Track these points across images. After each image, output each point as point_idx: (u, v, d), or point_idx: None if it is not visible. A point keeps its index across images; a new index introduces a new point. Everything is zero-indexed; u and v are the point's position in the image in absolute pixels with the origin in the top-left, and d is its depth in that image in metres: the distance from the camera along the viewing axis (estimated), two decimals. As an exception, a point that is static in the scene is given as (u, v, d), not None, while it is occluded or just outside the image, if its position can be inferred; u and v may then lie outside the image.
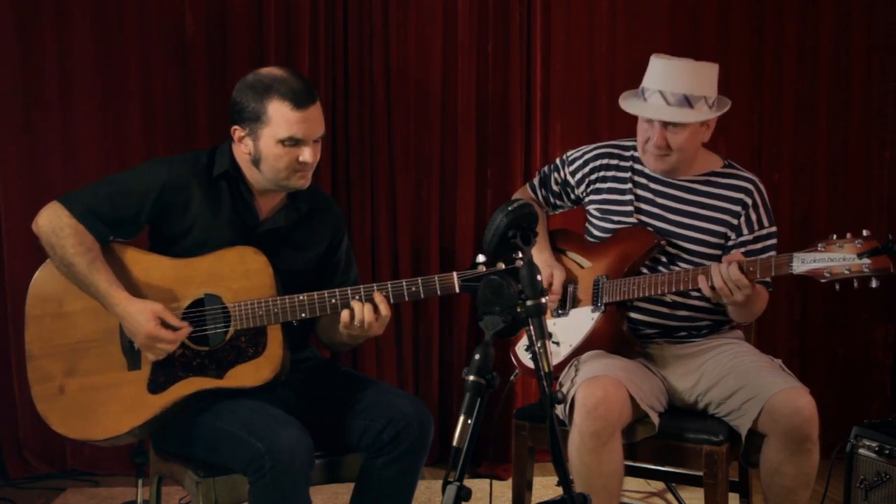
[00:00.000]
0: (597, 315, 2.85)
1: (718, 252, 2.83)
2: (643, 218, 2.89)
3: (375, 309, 2.51)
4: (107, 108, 3.89)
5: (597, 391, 2.61)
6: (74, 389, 2.51)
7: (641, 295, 2.78)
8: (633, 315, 2.87)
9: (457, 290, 2.52)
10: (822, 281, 2.54)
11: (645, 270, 2.85)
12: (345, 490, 2.73)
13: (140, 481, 3.40)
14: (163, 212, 2.57)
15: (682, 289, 2.73)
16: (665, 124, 2.79)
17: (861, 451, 2.99)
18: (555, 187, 3.07)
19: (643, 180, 2.91)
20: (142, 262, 2.56)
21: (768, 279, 2.76)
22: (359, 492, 2.61)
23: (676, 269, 2.82)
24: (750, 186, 2.86)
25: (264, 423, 2.42)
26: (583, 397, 2.62)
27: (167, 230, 2.59)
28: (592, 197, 2.97)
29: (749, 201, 2.84)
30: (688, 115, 2.78)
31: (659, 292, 2.76)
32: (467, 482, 1.99)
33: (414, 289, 2.53)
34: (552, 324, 2.91)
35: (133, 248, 2.58)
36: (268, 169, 2.55)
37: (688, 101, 2.77)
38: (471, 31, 4.06)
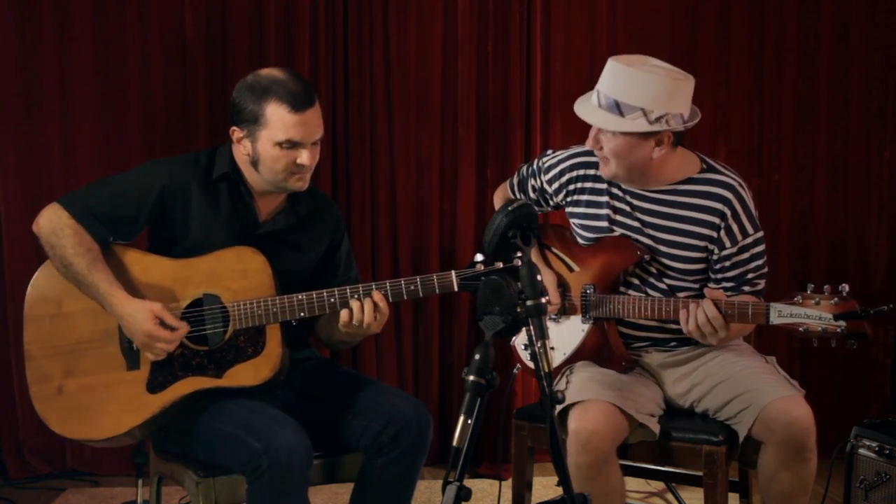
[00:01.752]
0: (587, 326, 2.80)
1: (703, 266, 2.75)
2: (622, 232, 2.79)
3: (374, 308, 2.51)
4: (106, 108, 3.89)
5: (588, 424, 2.57)
6: (73, 390, 2.51)
7: (626, 316, 2.74)
8: (624, 329, 2.81)
9: (455, 288, 2.51)
10: (798, 336, 2.49)
11: (637, 281, 2.79)
12: (345, 490, 2.73)
13: (140, 481, 3.40)
14: (162, 213, 2.57)
15: (664, 318, 2.68)
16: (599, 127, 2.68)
17: (861, 451, 2.99)
18: (532, 194, 2.97)
19: (619, 192, 2.79)
20: (141, 263, 2.56)
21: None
22: (358, 492, 2.61)
23: (664, 284, 2.76)
24: (728, 194, 2.69)
25: (262, 423, 2.42)
26: (575, 429, 2.58)
27: (166, 231, 2.59)
28: (572, 209, 2.88)
29: (728, 211, 2.68)
30: (606, 121, 2.62)
31: (643, 315, 2.71)
32: (467, 482, 1.99)
33: (412, 287, 2.53)
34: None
35: (132, 249, 2.58)
36: (266, 170, 2.55)
37: (618, 108, 2.60)
38: (471, 31, 4.06)
